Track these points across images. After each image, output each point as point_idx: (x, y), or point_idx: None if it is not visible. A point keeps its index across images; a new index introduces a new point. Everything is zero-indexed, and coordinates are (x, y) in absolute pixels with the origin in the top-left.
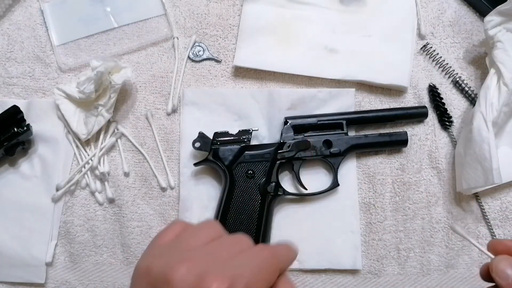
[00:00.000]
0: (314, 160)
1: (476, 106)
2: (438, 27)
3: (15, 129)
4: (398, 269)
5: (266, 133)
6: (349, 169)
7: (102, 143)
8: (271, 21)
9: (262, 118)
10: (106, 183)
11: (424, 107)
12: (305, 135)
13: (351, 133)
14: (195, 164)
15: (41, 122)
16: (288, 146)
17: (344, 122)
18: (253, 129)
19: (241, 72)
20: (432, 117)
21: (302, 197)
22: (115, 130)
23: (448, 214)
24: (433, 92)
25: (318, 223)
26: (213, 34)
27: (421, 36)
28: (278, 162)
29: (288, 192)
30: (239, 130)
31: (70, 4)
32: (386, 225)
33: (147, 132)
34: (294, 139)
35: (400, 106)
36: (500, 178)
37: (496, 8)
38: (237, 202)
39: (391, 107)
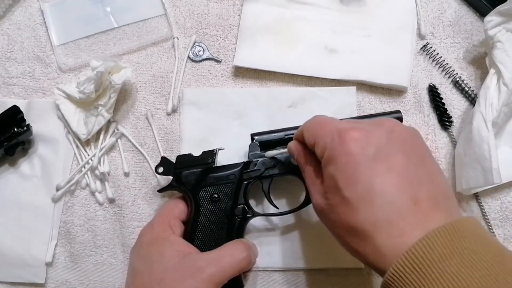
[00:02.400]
0: (285, 177)
1: (476, 106)
2: (438, 27)
3: (15, 129)
4: None
5: None
6: None
7: (102, 143)
8: (271, 21)
9: (262, 117)
10: (106, 183)
11: (398, 111)
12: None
13: None
14: (159, 191)
15: (41, 122)
16: (255, 165)
17: None
18: (219, 148)
19: (241, 72)
20: (432, 117)
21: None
22: (115, 130)
23: None
24: (433, 92)
25: (320, 222)
26: (213, 34)
27: (421, 36)
28: (245, 182)
29: (258, 213)
30: (203, 152)
31: (70, 4)
32: None
33: (147, 132)
34: (260, 156)
35: (371, 113)
36: (500, 178)
37: (496, 8)
38: (203, 227)
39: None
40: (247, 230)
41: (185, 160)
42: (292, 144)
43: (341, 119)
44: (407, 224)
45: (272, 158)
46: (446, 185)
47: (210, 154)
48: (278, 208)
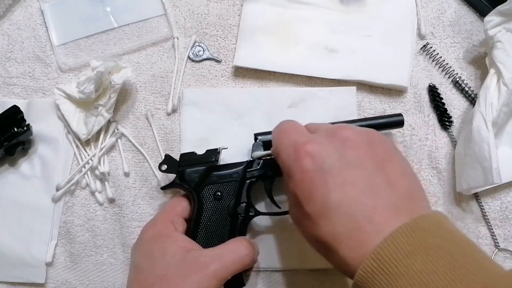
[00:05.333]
0: None
1: (476, 106)
2: (438, 27)
3: (15, 129)
4: None
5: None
6: None
7: (102, 143)
8: (271, 21)
9: (262, 117)
10: (106, 183)
11: (400, 114)
12: None
13: None
14: (162, 188)
15: (41, 122)
16: (258, 164)
17: None
18: (222, 147)
19: (241, 72)
20: (432, 117)
21: (277, 216)
22: (115, 130)
23: (448, 214)
24: (433, 92)
25: None
26: (213, 34)
27: (421, 36)
28: (248, 181)
29: (260, 212)
30: (206, 150)
31: (70, 4)
32: None
33: (147, 132)
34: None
35: (373, 116)
36: (500, 178)
37: (496, 8)
38: (206, 225)
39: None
40: (248, 229)
41: (189, 158)
42: (272, 149)
43: (331, 123)
44: (366, 235)
45: (260, 159)
46: (410, 185)
47: (214, 153)
48: (280, 208)
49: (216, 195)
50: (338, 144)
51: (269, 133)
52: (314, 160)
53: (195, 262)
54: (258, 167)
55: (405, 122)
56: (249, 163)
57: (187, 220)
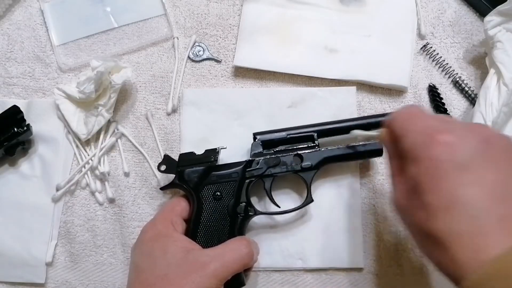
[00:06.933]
0: (287, 176)
1: (476, 106)
2: (438, 27)
3: (15, 129)
4: (398, 269)
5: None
6: (351, 167)
7: (102, 143)
8: (271, 21)
9: (262, 117)
10: (106, 183)
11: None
12: (275, 150)
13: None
14: (161, 189)
15: (41, 122)
16: (257, 163)
17: (315, 134)
18: (221, 147)
19: (241, 72)
20: None
21: (276, 215)
22: (115, 130)
23: None
24: (433, 92)
25: (321, 222)
26: (213, 34)
27: (421, 36)
28: (247, 181)
29: (259, 211)
30: (205, 150)
31: (70, 4)
32: (386, 225)
33: (147, 132)
34: (263, 155)
35: (369, 115)
36: None
37: (496, 8)
38: (206, 225)
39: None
40: (248, 229)
41: (188, 158)
42: (384, 131)
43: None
44: (489, 241)
45: (274, 156)
46: None
47: (213, 153)
48: (279, 207)
49: (215, 195)
50: (478, 140)
51: (268, 132)
52: (450, 150)
53: (196, 262)
54: (257, 166)
55: None
56: (248, 163)
57: (187, 221)
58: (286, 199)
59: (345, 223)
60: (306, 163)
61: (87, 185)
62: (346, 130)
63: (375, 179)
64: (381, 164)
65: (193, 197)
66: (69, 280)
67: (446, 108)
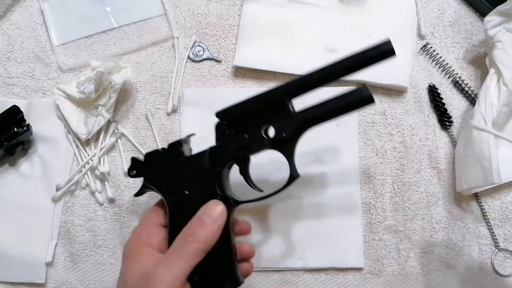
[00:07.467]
0: (271, 155)
1: (476, 106)
2: (438, 27)
3: (15, 129)
4: (398, 269)
5: None
6: (351, 167)
7: (102, 143)
8: (271, 21)
9: None
10: (106, 183)
11: (387, 41)
12: (241, 128)
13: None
14: (135, 195)
15: (41, 122)
16: (224, 148)
17: (286, 97)
18: (188, 135)
19: (241, 72)
20: (432, 117)
21: (261, 200)
22: (115, 130)
23: (448, 214)
24: (433, 92)
25: (321, 222)
26: (213, 34)
27: (421, 36)
28: (218, 169)
29: (238, 201)
30: (169, 144)
31: (70, 4)
32: (386, 225)
33: (147, 132)
34: (228, 136)
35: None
36: (500, 178)
37: (496, 8)
38: (180, 226)
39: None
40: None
41: (154, 156)
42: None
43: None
44: None
45: (240, 136)
46: None
47: (176, 145)
48: (262, 191)
49: (183, 193)
50: None
51: (229, 108)
52: None
53: (146, 284)
54: (224, 152)
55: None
56: (212, 149)
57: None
58: (268, 183)
59: (345, 223)
60: (278, 136)
61: (87, 185)
62: (323, 80)
63: (375, 179)
64: (381, 164)
65: (164, 198)
66: (69, 280)
67: (446, 108)
